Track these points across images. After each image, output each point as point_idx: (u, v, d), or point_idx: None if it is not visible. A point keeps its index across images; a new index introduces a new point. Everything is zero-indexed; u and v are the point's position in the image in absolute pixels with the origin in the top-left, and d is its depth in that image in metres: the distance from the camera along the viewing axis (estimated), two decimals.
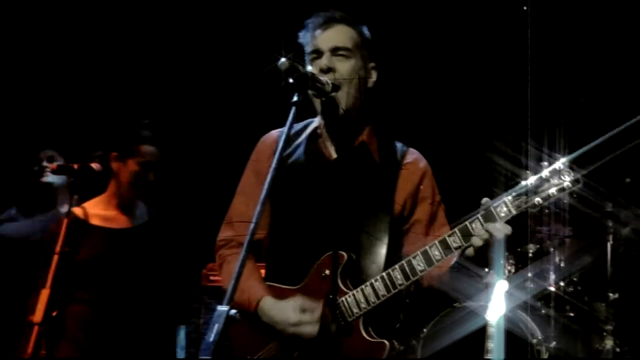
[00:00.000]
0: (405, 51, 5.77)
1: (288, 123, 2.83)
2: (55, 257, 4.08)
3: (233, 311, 2.43)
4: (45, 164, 4.91)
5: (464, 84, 6.25)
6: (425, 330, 5.23)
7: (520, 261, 5.60)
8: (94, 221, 4.49)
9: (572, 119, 5.21)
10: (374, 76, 3.35)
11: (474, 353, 4.53)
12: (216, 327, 2.38)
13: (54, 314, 4.21)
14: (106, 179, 4.56)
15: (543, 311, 5.40)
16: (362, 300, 3.11)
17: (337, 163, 3.31)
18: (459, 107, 6.22)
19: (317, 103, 3.23)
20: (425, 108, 6.14)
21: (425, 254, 3.05)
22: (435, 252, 3.04)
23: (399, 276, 3.08)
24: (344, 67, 3.21)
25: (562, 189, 2.89)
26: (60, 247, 4.09)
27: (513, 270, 5.54)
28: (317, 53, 3.24)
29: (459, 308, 5.17)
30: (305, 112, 3.31)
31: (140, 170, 4.52)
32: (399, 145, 3.40)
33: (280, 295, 3.25)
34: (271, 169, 2.70)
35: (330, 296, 3.14)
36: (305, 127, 3.40)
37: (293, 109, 2.85)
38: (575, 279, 5.61)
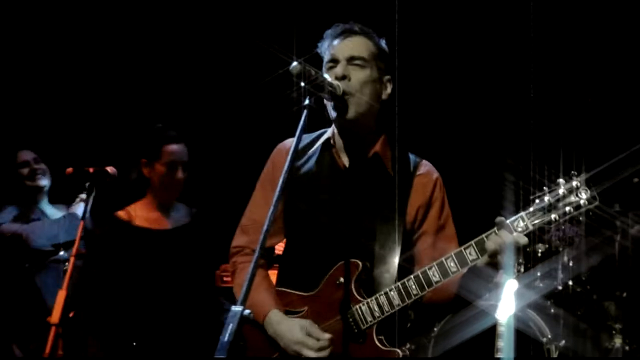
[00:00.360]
0: (422, 64, 5.76)
1: (300, 126, 2.86)
2: (72, 260, 4.12)
3: (247, 311, 2.45)
4: (35, 166, 4.94)
5: (481, 98, 6.24)
6: (436, 329, 5.24)
7: (529, 261, 5.58)
8: (138, 222, 4.61)
9: (588, 136, 5.20)
10: (388, 88, 3.36)
11: (484, 352, 4.52)
12: (230, 327, 2.41)
13: (71, 314, 4.26)
14: (144, 185, 4.67)
15: (552, 310, 5.38)
16: (376, 309, 3.12)
17: (349, 172, 3.32)
18: (475, 120, 6.22)
19: (330, 108, 3.24)
20: (440, 121, 6.15)
21: (441, 266, 3.06)
22: (451, 264, 3.05)
23: (414, 286, 3.09)
24: (358, 75, 3.23)
25: (578, 207, 2.91)
26: (77, 250, 4.13)
27: (522, 270, 5.52)
28: (334, 62, 3.26)
29: (469, 307, 5.17)
30: (319, 122, 3.34)
31: (168, 171, 4.61)
32: (412, 156, 3.40)
33: (291, 301, 3.28)
34: (282, 174, 2.73)
35: (345, 304, 3.16)
36: (319, 137, 3.41)
37: (305, 112, 2.88)
38: (584, 278, 5.59)
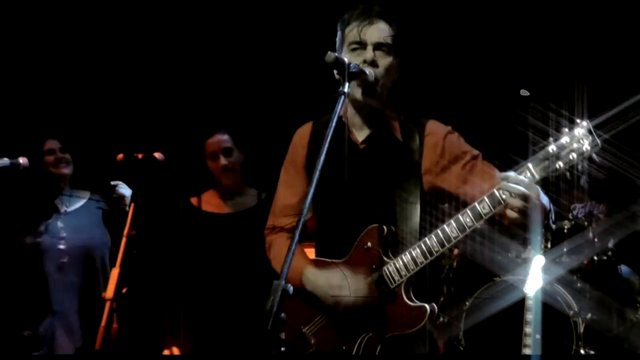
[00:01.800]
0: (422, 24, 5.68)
1: (336, 111, 2.89)
2: (124, 240, 4.19)
3: (288, 285, 2.48)
4: (60, 155, 4.95)
5: (480, 49, 6.16)
6: (467, 303, 5.26)
7: (556, 237, 5.55)
8: (205, 208, 4.82)
9: (593, 83, 5.12)
10: (398, 69, 3.36)
11: (513, 324, 4.51)
12: (272, 299, 2.44)
13: (124, 290, 4.32)
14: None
15: (578, 284, 5.37)
16: (402, 267, 3.13)
17: (365, 146, 3.35)
18: (478, 74, 6.14)
19: (359, 94, 3.24)
20: (445, 78, 6.07)
21: (458, 221, 3.04)
22: (467, 219, 3.02)
23: (434, 244, 3.08)
24: (384, 62, 3.24)
25: (581, 154, 2.83)
26: (128, 230, 4.19)
27: (549, 246, 5.49)
28: (360, 44, 3.26)
29: (499, 282, 5.21)
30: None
31: (212, 162, 4.79)
32: (420, 119, 3.39)
33: (326, 267, 3.32)
34: (319, 159, 2.76)
35: (374, 266, 3.19)
36: (329, 119, 3.44)
37: (342, 98, 2.91)
38: (609, 253, 5.56)
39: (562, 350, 5.06)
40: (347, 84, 2.95)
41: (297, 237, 2.62)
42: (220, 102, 5.82)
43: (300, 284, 3.29)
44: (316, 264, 3.36)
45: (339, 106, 2.92)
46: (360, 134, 3.37)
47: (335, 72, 3.14)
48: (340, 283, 3.19)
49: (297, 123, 3.59)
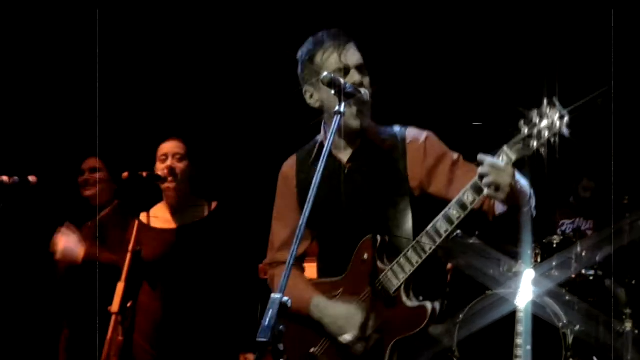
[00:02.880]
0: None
1: (333, 130, 2.85)
2: (129, 255, 4.14)
3: (285, 298, 2.44)
4: (87, 176, 4.90)
5: (452, 44, 6.10)
6: (461, 315, 5.21)
7: (545, 251, 5.55)
8: (154, 224, 4.51)
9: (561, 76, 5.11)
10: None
11: (505, 336, 4.48)
12: (270, 313, 2.40)
13: (129, 304, 4.27)
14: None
15: (567, 297, 5.33)
16: (399, 270, 3.08)
17: (350, 165, 3.31)
18: (449, 69, 6.07)
19: (352, 112, 3.18)
20: (418, 76, 6.01)
21: (445, 215, 3.01)
22: (453, 212, 2.99)
23: (426, 240, 3.04)
24: (367, 81, 3.23)
25: (552, 127, 2.77)
26: (133, 246, 4.15)
27: (539, 260, 5.48)
28: (345, 69, 3.21)
29: (491, 295, 5.17)
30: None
31: (161, 165, 4.47)
32: (397, 128, 3.35)
33: (328, 288, 3.29)
34: (311, 191, 2.71)
35: (371, 276, 3.15)
36: (313, 146, 3.41)
37: (338, 117, 2.87)
38: (596, 268, 5.54)
39: None
40: (342, 105, 2.89)
41: (291, 262, 2.55)
42: (177, 112, 5.71)
43: (308, 314, 3.25)
44: (321, 288, 3.31)
45: (335, 126, 2.86)
46: (345, 154, 3.33)
47: (331, 92, 3.05)
48: (348, 316, 3.15)
49: (250, 136, 3.55)
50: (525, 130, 2.83)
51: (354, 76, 3.19)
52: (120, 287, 4.00)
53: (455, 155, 3.26)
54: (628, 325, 5.27)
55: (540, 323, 4.95)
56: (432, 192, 3.24)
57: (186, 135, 4.63)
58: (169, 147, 4.50)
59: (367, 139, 3.30)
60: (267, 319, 2.39)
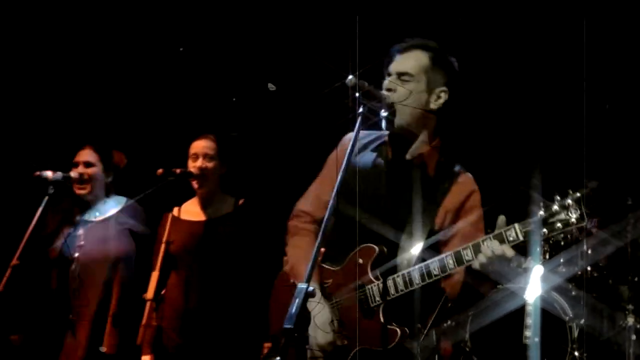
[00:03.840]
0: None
1: (356, 130, 2.86)
2: (162, 246, 4.13)
3: (311, 288, 2.44)
4: (82, 169, 4.72)
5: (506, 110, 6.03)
6: (472, 308, 5.19)
7: (553, 249, 5.49)
8: (184, 217, 4.48)
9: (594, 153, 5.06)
10: (441, 99, 3.24)
11: (514, 328, 4.46)
12: (297, 301, 2.40)
13: (163, 292, 4.26)
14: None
15: (574, 292, 5.29)
16: (384, 290, 3.07)
17: (389, 168, 3.28)
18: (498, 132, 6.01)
19: (382, 116, 3.15)
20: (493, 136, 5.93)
21: (441, 261, 2.99)
22: (449, 261, 2.97)
23: (417, 276, 3.02)
24: (401, 89, 3.18)
25: (567, 224, 2.78)
26: (167, 237, 4.14)
27: (547, 257, 5.43)
28: (388, 75, 3.23)
29: (502, 289, 5.09)
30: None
31: (192, 163, 4.45)
32: (457, 167, 3.30)
33: (324, 274, 3.25)
34: (342, 166, 2.72)
35: (359, 283, 3.13)
36: (380, 136, 3.37)
37: (359, 119, 2.88)
38: (601, 265, 5.50)
39: (558, 353, 4.96)
40: (362, 106, 2.90)
41: (320, 240, 2.57)
42: (211, 112, 5.64)
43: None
44: (321, 271, 3.26)
45: (358, 125, 2.87)
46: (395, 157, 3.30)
47: (356, 94, 3.06)
48: (326, 325, 3.12)
49: (279, 139, 3.53)
50: (542, 214, 2.83)
51: (386, 82, 3.19)
52: (154, 275, 3.99)
53: (480, 218, 3.21)
54: (630, 320, 5.22)
55: (548, 316, 4.93)
56: (452, 234, 3.19)
57: (218, 133, 4.59)
58: (200, 146, 4.47)
59: (421, 155, 3.26)
60: (294, 307, 2.39)
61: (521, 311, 4.01)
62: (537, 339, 3.89)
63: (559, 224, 2.79)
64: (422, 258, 3.11)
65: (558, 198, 2.81)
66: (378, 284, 3.08)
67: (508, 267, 2.99)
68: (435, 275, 3.00)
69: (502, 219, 2.92)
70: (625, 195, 5.40)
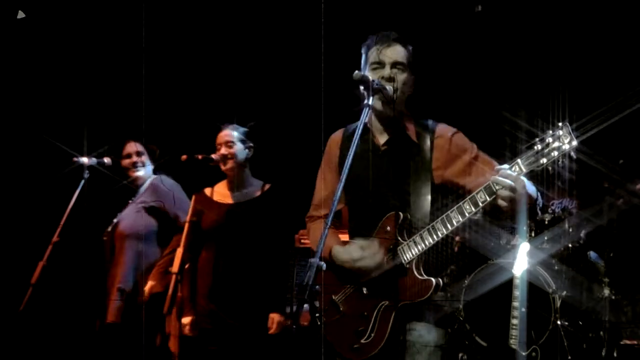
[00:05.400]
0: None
1: (361, 120, 2.89)
2: (187, 225, 4.10)
3: (321, 263, 2.51)
4: (136, 159, 4.79)
5: (479, 62, 5.90)
6: (466, 281, 5.19)
7: (538, 227, 5.45)
8: (215, 198, 4.49)
9: (573, 89, 4.95)
10: (413, 84, 3.31)
11: (503, 299, 4.41)
12: (308, 274, 2.47)
13: (187, 266, 4.23)
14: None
15: (556, 267, 5.24)
16: (414, 247, 3.08)
17: (386, 148, 3.28)
18: (478, 83, 5.88)
19: (379, 105, 3.18)
20: (450, 87, 5.82)
21: (459, 209, 3.00)
22: (467, 207, 2.98)
23: (440, 227, 3.04)
24: (401, 78, 3.20)
25: (562, 151, 2.78)
26: (190, 217, 4.11)
27: (533, 235, 5.40)
28: (380, 64, 3.21)
29: (492, 264, 5.12)
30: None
31: (217, 152, 4.45)
32: (430, 122, 3.32)
33: (348, 244, 3.29)
34: (347, 160, 2.79)
35: (391, 246, 3.14)
36: (357, 126, 3.34)
37: (366, 109, 2.91)
38: (581, 242, 5.44)
39: (542, 321, 4.92)
40: (371, 98, 2.92)
41: (329, 223, 2.65)
42: (237, 101, 5.53)
43: (330, 259, 3.24)
44: (343, 243, 3.30)
45: (364, 116, 2.89)
46: (382, 138, 3.30)
47: (361, 87, 3.05)
48: (360, 254, 3.14)
49: (301, 128, 3.52)
50: (539, 147, 2.83)
51: (385, 70, 3.17)
52: (179, 251, 3.98)
53: (475, 151, 3.22)
54: (606, 292, 5.24)
55: (534, 289, 4.89)
56: (448, 177, 3.20)
57: (249, 120, 4.57)
58: (222, 135, 4.47)
59: (401, 127, 3.26)
60: (305, 279, 2.44)
61: (509, 284, 3.97)
62: (524, 309, 3.85)
63: (554, 152, 2.80)
64: (434, 211, 3.15)
65: (549, 131, 2.83)
66: (407, 243, 3.10)
67: (499, 245, 3.01)
68: (457, 222, 3.01)
69: (499, 167, 2.94)
70: (602, 179, 5.38)
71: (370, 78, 3.01)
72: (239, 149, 4.43)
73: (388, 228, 3.16)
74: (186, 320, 4.30)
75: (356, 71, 2.96)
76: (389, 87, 3.12)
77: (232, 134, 4.45)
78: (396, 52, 3.21)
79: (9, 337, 4.48)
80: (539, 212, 3.09)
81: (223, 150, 4.41)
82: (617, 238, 5.45)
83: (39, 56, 5.53)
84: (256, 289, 4.30)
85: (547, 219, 5.50)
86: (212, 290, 4.31)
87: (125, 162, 4.76)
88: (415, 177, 3.20)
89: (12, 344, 4.55)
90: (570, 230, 5.43)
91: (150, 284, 4.40)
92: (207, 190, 4.51)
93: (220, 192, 4.52)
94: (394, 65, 3.19)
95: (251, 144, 4.48)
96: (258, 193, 4.49)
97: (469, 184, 3.12)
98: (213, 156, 4.34)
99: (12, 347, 4.59)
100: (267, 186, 4.53)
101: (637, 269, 5.41)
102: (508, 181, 2.84)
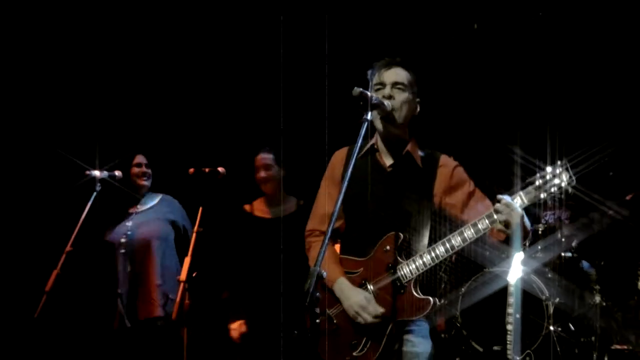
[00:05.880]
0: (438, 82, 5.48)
1: (361, 134, 2.85)
2: (194, 235, 4.10)
3: (322, 271, 2.48)
4: (145, 169, 4.79)
5: (480, 98, 5.99)
6: (463, 289, 5.20)
7: (532, 237, 5.49)
8: (256, 213, 4.67)
9: (571, 126, 5.00)
10: (418, 107, 3.32)
11: (498, 306, 4.42)
12: (309, 281, 2.45)
13: (194, 274, 4.23)
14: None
15: (549, 275, 5.28)
16: (414, 268, 3.09)
17: (392, 169, 3.29)
18: (483, 119, 5.98)
19: (378, 122, 3.21)
20: (456, 123, 5.88)
21: (461, 234, 3.04)
22: (469, 232, 3.02)
23: (442, 250, 3.07)
24: (400, 96, 3.20)
25: (559, 187, 2.88)
26: (197, 228, 4.11)
27: (527, 244, 5.41)
28: (382, 85, 3.23)
29: (488, 272, 5.16)
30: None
31: (257, 174, 4.63)
32: (435, 153, 3.34)
33: (351, 264, 3.25)
34: (346, 176, 2.76)
35: (390, 264, 3.14)
36: (365, 145, 3.38)
37: (365, 124, 2.87)
38: (573, 251, 5.47)
39: (536, 327, 4.97)
40: (369, 113, 2.90)
41: (329, 233, 2.59)
42: (270, 125, 5.59)
43: (332, 288, 3.24)
44: (347, 264, 3.28)
45: (363, 130, 2.87)
46: (387, 160, 3.31)
47: (360, 103, 3.03)
48: (365, 305, 3.12)
49: (330, 146, 3.52)
50: (539, 183, 2.91)
51: (386, 90, 3.19)
52: (187, 261, 3.97)
53: (473, 187, 3.26)
54: (597, 299, 5.24)
55: (528, 296, 4.96)
56: (445, 205, 3.22)
57: (283, 142, 4.69)
58: (259, 160, 4.64)
59: (408, 153, 3.28)
60: (306, 286, 2.44)
61: (504, 291, 3.99)
62: (518, 315, 3.85)
63: (553, 189, 2.90)
64: (433, 238, 3.18)
65: (549, 168, 2.91)
66: (407, 264, 3.11)
67: (497, 255, 3.04)
68: (457, 247, 3.06)
69: (500, 196, 2.99)
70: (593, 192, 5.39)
71: (369, 94, 2.96)
72: (276, 170, 4.63)
73: (387, 247, 3.16)
74: (234, 325, 4.52)
75: (355, 87, 2.92)
76: (387, 103, 3.12)
77: (269, 157, 4.64)
78: (396, 74, 3.23)
79: (25, 342, 4.50)
80: (527, 244, 3.16)
81: (262, 174, 4.61)
82: (607, 247, 5.46)
83: (55, 75, 5.56)
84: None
85: (540, 229, 5.54)
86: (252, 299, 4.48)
87: (135, 170, 4.77)
88: (417, 200, 3.21)
89: (28, 348, 4.57)
90: (563, 240, 5.45)
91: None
92: (247, 207, 4.71)
93: (259, 208, 4.70)
94: (394, 85, 3.21)
95: (285, 165, 4.65)
96: (294, 209, 4.64)
97: (463, 215, 3.17)
98: (220, 169, 4.35)
99: (28, 351, 4.60)
100: (301, 202, 4.67)
101: (627, 277, 5.42)
102: (510, 207, 2.91)
